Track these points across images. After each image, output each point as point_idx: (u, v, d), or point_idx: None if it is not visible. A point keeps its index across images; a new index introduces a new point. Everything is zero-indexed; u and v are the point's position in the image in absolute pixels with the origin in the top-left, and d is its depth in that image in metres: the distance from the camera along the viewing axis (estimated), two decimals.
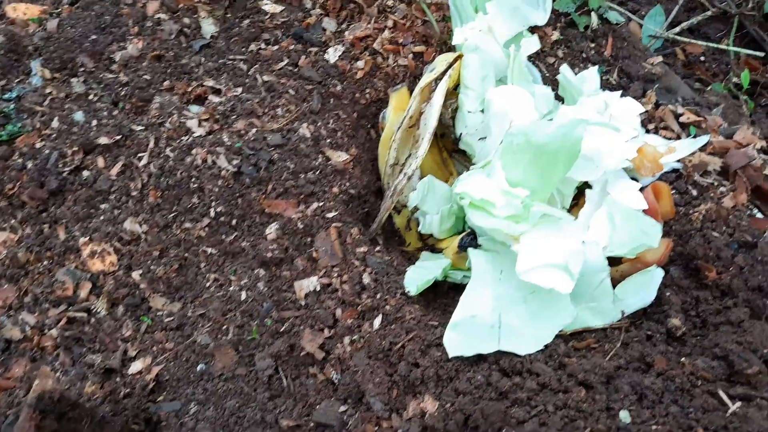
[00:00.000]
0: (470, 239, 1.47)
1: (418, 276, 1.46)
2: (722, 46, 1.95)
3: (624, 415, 1.08)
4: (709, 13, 2.04)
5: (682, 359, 1.18)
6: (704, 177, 1.52)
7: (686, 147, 1.55)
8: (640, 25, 1.97)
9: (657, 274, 1.35)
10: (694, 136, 1.61)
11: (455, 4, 1.81)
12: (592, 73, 1.72)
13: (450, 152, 1.82)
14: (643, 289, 1.34)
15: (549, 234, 1.32)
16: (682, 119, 1.64)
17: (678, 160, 1.56)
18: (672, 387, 1.11)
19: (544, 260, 1.27)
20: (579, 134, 1.30)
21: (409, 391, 1.27)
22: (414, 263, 1.57)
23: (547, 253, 1.28)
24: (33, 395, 1.12)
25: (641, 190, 1.46)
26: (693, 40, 1.96)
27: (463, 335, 1.28)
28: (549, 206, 1.36)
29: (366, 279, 1.45)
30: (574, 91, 1.68)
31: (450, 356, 1.25)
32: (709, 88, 1.85)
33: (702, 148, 1.56)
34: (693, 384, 1.13)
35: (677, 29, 2.00)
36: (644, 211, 1.41)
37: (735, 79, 1.89)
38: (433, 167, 1.75)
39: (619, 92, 1.58)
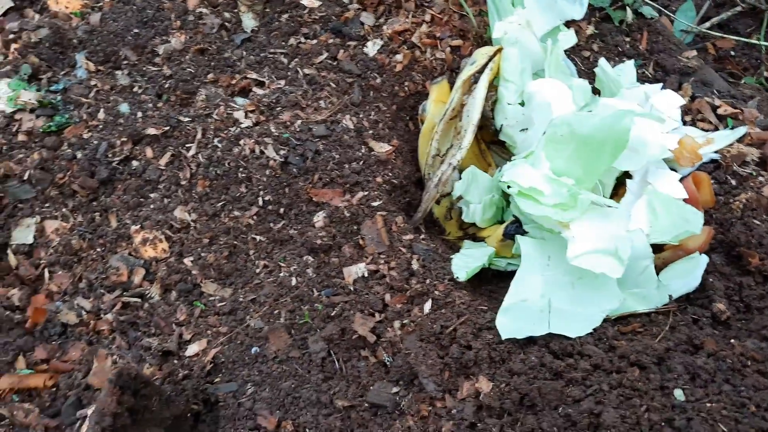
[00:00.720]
0: (515, 227, 1.51)
1: (465, 263, 1.50)
2: (753, 41, 1.99)
3: (678, 394, 1.12)
4: (738, 8, 2.07)
5: (732, 341, 1.23)
6: (743, 167, 1.56)
7: (724, 138, 1.59)
8: (672, 20, 2.01)
9: (702, 260, 1.39)
10: (732, 128, 1.65)
11: None
12: (629, 67, 1.76)
13: (488, 144, 1.86)
14: (688, 275, 1.38)
15: (597, 221, 1.36)
16: (719, 111, 1.68)
17: (716, 151, 1.60)
18: (723, 367, 1.15)
19: (594, 246, 1.31)
20: (627, 125, 1.34)
21: (462, 372, 1.31)
22: (456, 251, 1.61)
23: (596, 239, 1.32)
24: (114, 372, 1.17)
25: (681, 180, 1.50)
26: (724, 35, 2.00)
27: (515, 319, 1.32)
28: (595, 195, 1.40)
29: (414, 265, 1.49)
30: (612, 84, 1.71)
31: (503, 338, 1.29)
32: (742, 81, 1.89)
33: (740, 140, 1.59)
34: (743, 364, 1.17)
35: (708, 24, 2.04)
36: (684, 200, 1.44)
37: (766, 73, 1.93)
38: (472, 158, 1.78)
39: (660, 85, 1.62)
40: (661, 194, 1.45)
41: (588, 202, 1.36)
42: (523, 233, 1.49)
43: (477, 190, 1.64)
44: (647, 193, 1.46)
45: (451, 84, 1.80)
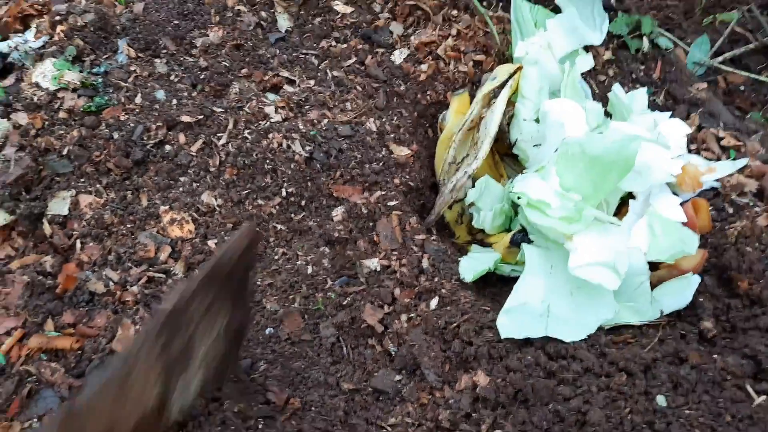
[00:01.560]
0: (522, 235, 1.61)
1: (473, 265, 1.59)
2: (762, 78, 2.08)
3: (661, 400, 1.21)
4: (751, 45, 2.17)
5: (714, 356, 1.32)
6: (741, 197, 1.65)
7: (726, 168, 1.69)
8: (686, 52, 2.10)
9: (694, 280, 1.48)
10: (734, 159, 1.74)
11: (517, 19, 1.95)
12: (641, 94, 1.85)
13: (501, 156, 1.95)
14: (680, 293, 1.47)
15: (599, 236, 1.46)
16: (723, 143, 1.78)
17: (717, 180, 1.69)
18: (705, 379, 1.25)
19: (594, 259, 1.41)
20: (634, 149, 1.43)
21: (462, 366, 1.40)
22: (464, 254, 1.70)
23: (597, 252, 1.42)
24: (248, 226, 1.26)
25: (682, 204, 1.59)
26: (735, 70, 2.09)
27: (515, 320, 1.41)
28: (599, 211, 1.50)
29: (425, 263, 1.59)
30: (623, 109, 1.81)
31: (502, 337, 1.39)
32: (748, 116, 1.98)
33: (740, 170, 1.69)
34: (723, 378, 1.26)
35: (720, 58, 2.13)
36: (683, 223, 1.54)
37: None
38: (486, 168, 1.88)
39: (669, 113, 1.71)
40: (661, 216, 1.54)
41: (592, 217, 1.45)
42: (529, 242, 1.58)
43: (489, 198, 1.73)
44: (648, 214, 1.55)
45: (472, 96, 1.89)
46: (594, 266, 1.40)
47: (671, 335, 1.41)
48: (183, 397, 1.23)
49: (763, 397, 1.20)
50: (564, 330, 1.39)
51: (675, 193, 1.66)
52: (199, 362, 1.24)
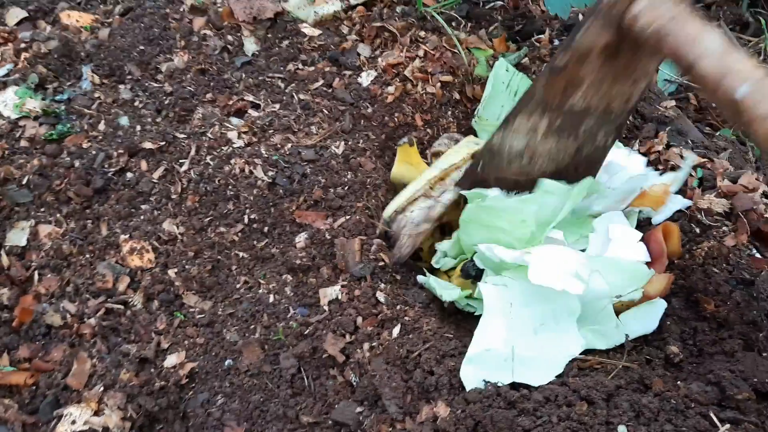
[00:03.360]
0: (472, 265, 1.58)
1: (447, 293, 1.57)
2: None
3: (622, 430, 1.17)
4: None
5: (678, 383, 1.28)
6: (708, 217, 1.62)
7: (681, 176, 1.67)
8: (657, 70, 2.09)
9: (660, 305, 1.45)
10: (701, 178, 1.72)
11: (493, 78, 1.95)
12: None
13: None
14: (646, 318, 1.44)
15: (558, 251, 1.43)
16: (694, 158, 1.75)
17: (683, 195, 1.68)
18: (667, 407, 1.21)
19: (554, 267, 1.37)
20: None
21: (423, 396, 1.37)
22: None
23: (557, 263, 1.39)
24: None
25: (653, 228, 1.57)
26: None
27: (479, 368, 1.36)
28: (558, 231, 1.48)
29: (387, 290, 1.56)
30: None
31: (467, 390, 1.34)
32: (718, 133, 1.96)
33: (710, 191, 1.66)
34: (687, 405, 1.22)
35: None
36: (650, 249, 1.51)
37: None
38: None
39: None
40: (607, 259, 1.51)
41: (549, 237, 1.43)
42: (480, 271, 1.56)
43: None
44: (597, 261, 1.50)
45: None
46: (555, 273, 1.37)
47: (637, 360, 1.38)
48: None
49: (727, 426, 1.17)
50: (531, 373, 1.35)
51: (648, 217, 1.65)
52: None
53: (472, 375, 1.36)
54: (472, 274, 1.60)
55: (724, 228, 1.59)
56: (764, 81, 1.09)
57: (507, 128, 1.53)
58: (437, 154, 1.87)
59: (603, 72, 1.42)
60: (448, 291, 1.58)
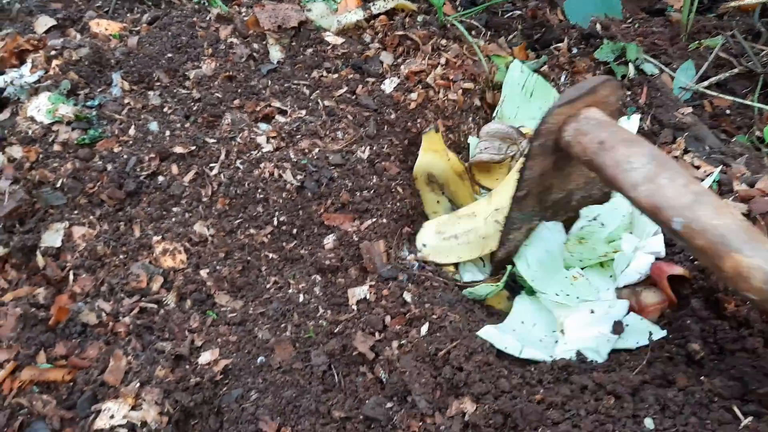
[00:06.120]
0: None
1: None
2: (747, 102, 2.11)
3: (648, 422, 1.21)
4: (736, 70, 2.21)
5: (702, 378, 1.32)
6: None
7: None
8: (672, 78, 2.14)
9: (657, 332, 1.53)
10: (718, 182, 1.76)
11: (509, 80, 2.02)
12: (634, 121, 1.88)
13: None
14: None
15: (585, 319, 1.52)
16: (699, 172, 1.80)
17: None
18: (692, 401, 1.25)
19: (581, 344, 1.49)
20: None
21: (452, 392, 1.41)
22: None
23: (583, 338, 1.50)
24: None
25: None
26: (720, 95, 2.13)
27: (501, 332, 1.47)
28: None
29: (413, 290, 1.60)
30: None
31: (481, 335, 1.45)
32: (734, 139, 2.01)
33: (727, 195, 1.71)
34: (711, 400, 1.26)
35: (706, 83, 2.17)
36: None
37: (758, 133, 2.05)
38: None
39: None
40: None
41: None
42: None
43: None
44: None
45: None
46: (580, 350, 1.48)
47: (659, 358, 1.42)
48: None
49: (750, 418, 1.21)
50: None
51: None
52: None
53: (493, 332, 1.49)
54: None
55: None
56: (694, 211, 1.13)
57: (505, 243, 1.69)
58: (482, 166, 1.91)
59: (565, 173, 1.55)
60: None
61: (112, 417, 1.46)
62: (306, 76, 2.06)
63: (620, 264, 1.60)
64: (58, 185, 1.80)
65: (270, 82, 2.04)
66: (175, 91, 2.02)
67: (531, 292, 1.65)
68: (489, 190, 1.95)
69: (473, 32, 2.20)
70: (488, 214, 1.75)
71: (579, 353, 1.47)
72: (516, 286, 1.72)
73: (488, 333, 1.49)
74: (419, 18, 2.21)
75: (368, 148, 1.89)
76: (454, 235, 1.76)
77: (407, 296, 1.59)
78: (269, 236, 1.73)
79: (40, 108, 1.94)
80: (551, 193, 1.60)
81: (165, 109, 1.98)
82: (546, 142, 1.41)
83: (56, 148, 1.88)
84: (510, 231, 1.66)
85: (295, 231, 1.74)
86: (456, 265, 1.80)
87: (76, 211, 1.79)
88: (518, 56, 2.19)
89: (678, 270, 1.55)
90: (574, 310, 1.55)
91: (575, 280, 1.60)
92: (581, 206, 1.68)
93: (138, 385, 1.50)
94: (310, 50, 2.13)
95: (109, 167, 1.84)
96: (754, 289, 1.10)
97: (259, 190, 1.77)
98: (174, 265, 1.70)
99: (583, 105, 1.37)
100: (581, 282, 1.60)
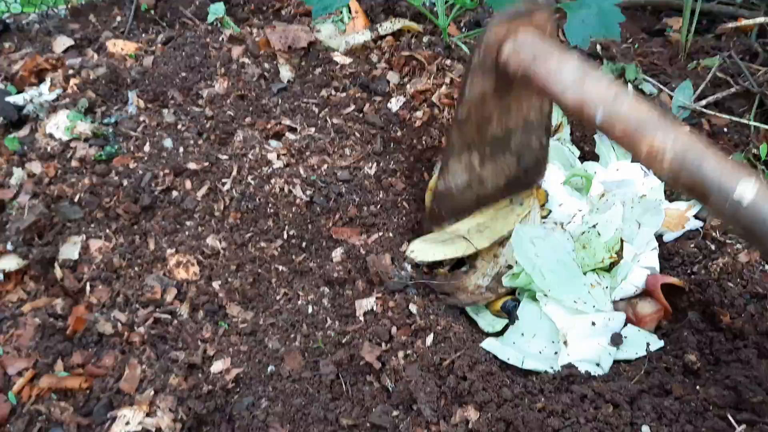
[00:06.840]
0: (515, 305, 1.69)
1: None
2: (744, 120, 2.17)
3: (645, 430, 1.26)
4: (733, 89, 2.26)
5: (697, 387, 1.37)
6: (723, 235, 1.72)
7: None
8: (671, 97, 2.20)
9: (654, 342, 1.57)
10: None
11: None
12: None
13: None
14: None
15: (587, 332, 1.57)
16: None
17: (698, 218, 1.77)
18: (688, 409, 1.30)
19: (583, 356, 1.54)
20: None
21: (456, 400, 1.46)
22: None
23: (585, 350, 1.54)
24: None
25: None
26: (718, 113, 2.18)
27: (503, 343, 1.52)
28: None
29: (419, 302, 1.66)
30: (607, 154, 1.90)
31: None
32: (731, 157, 2.06)
33: None
34: (706, 408, 1.31)
35: (704, 102, 2.22)
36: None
37: (754, 151, 2.10)
38: None
39: None
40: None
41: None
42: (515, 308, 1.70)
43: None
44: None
45: None
46: (581, 361, 1.53)
47: (657, 368, 1.47)
48: None
49: (743, 426, 1.25)
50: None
51: (661, 235, 1.75)
52: None
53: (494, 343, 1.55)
54: (509, 310, 1.71)
55: (738, 245, 1.69)
56: (614, 105, 1.20)
57: (445, 174, 1.72)
58: None
59: (505, 102, 1.59)
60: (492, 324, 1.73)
61: (127, 423, 1.51)
62: (315, 94, 2.13)
63: (621, 272, 1.65)
64: (76, 200, 1.86)
65: (280, 100, 2.10)
66: (188, 109, 2.09)
67: (533, 297, 1.69)
68: None
69: None
70: (471, 226, 1.82)
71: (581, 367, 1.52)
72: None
73: (491, 345, 1.55)
74: (425, 39, 2.28)
75: (375, 164, 1.95)
76: (441, 241, 1.82)
77: (413, 308, 1.64)
78: (279, 249, 1.79)
79: (58, 125, 2.00)
80: (491, 126, 1.64)
81: (179, 127, 2.05)
82: (485, 60, 1.46)
83: (74, 164, 1.94)
84: (450, 157, 1.69)
85: (304, 244, 1.80)
86: (451, 268, 1.86)
87: (93, 225, 1.85)
88: None
89: (671, 279, 1.60)
90: (577, 321, 1.59)
91: (593, 288, 1.63)
92: (519, 157, 1.74)
93: (152, 392, 1.55)
94: (319, 70, 2.20)
95: (125, 182, 1.90)
96: (664, 169, 1.19)
97: (270, 205, 1.83)
98: (187, 277, 1.76)
99: (520, 26, 1.43)
100: (598, 290, 1.64)
